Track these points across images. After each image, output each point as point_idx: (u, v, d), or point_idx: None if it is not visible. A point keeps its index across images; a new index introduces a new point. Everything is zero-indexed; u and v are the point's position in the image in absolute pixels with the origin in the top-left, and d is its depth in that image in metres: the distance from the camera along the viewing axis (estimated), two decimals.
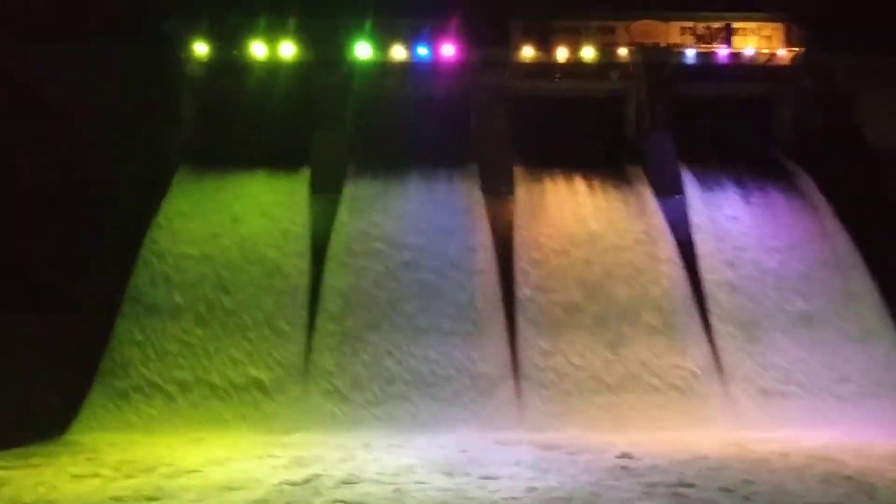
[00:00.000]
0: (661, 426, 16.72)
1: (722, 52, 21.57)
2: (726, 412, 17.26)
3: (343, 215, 19.43)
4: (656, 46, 21.44)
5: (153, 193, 19.32)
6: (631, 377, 17.78)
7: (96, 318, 17.59)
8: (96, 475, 12.38)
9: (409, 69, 21.17)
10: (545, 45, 21.39)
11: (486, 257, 19.03)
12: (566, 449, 14.52)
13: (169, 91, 20.53)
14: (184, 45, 20.57)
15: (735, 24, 21.69)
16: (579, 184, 20.70)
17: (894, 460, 13.42)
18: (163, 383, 17.13)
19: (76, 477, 12.22)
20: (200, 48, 20.61)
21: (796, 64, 21.74)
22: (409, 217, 19.62)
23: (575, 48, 21.35)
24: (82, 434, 16.03)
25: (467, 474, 12.50)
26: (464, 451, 14.25)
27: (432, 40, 21.08)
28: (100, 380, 17.12)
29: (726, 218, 20.08)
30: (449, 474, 12.48)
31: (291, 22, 20.58)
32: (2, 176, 18.37)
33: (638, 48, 21.40)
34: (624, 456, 13.74)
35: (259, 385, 17.16)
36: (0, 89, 19.43)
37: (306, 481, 11.99)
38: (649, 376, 17.80)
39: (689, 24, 21.68)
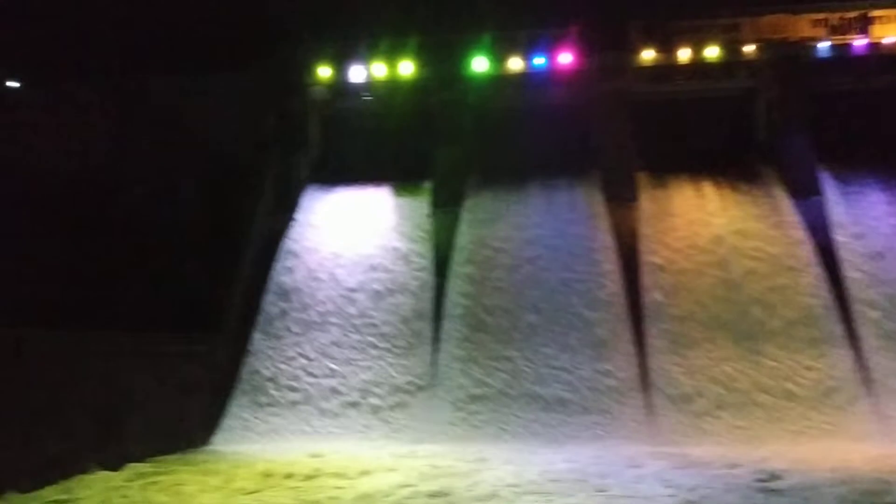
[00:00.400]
0: (802, 441, 15.83)
1: (859, 43, 20.25)
2: (873, 426, 16.13)
3: (464, 228, 19.59)
4: (786, 41, 20.39)
5: (283, 214, 20.20)
6: (768, 388, 16.95)
7: (234, 334, 18.53)
8: (240, 484, 12.97)
9: (526, 80, 21.12)
10: (666, 46, 20.81)
11: (610, 267, 18.66)
12: (705, 465, 13.91)
13: (297, 115, 21.40)
14: (309, 69, 21.38)
15: (873, 13, 20.31)
16: (707, 188, 19.97)
17: None
18: (296, 396, 17.80)
19: (219, 487, 12.84)
20: (324, 72, 21.36)
21: None
22: (531, 227, 19.55)
23: (698, 48, 20.64)
24: (224, 444, 16.87)
25: (602, 491, 12.26)
26: (595, 465, 13.98)
27: (549, 49, 20.94)
28: (238, 393, 18.00)
29: (870, 220, 18.81)
30: (585, 491, 12.25)
31: (410, 41, 20.97)
32: (157, 203, 19.86)
33: (767, 44, 20.43)
34: (771, 477, 12.89)
35: (386, 397, 17.52)
36: (145, 118, 20.99)
37: (442, 493, 12.11)
38: (789, 387, 16.90)
39: (822, 15, 20.47)
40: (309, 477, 13.36)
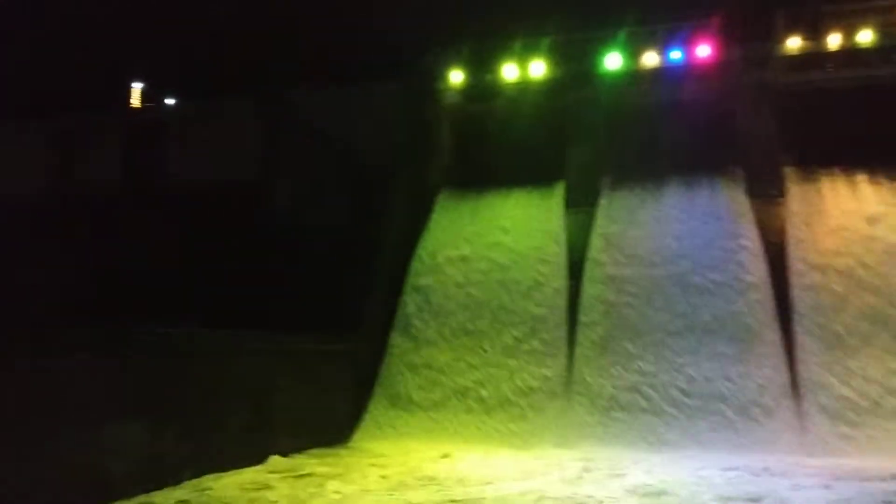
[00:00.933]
0: None
1: None
2: None
3: (599, 229, 19.23)
4: None
5: (418, 220, 20.61)
6: None
7: (374, 335, 19.10)
8: (385, 482, 13.35)
9: (662, 75, 20.46)
10: (815, 33, 19.60)
11: (755, 267, 17.79)
12: (864, 478, 13.06)
13: (429, 121, 21.78)
14: (441, 75, 21.69)
15: None
16: (863, 183, 18.63)
17: None
18: (431, 397, 18.16)
19: (366, 489, 13.10)
20: (456, 77, 21.61)
21: None
22: (669, 227, 18.92)
23: (850, 33, 19.31)
24: (365, 441, 17.39)
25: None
26: (756, 476, 13.51)
27: (686, 43, 20.22)
28: (378, 392, 18.52)
29: None
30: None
31: (543, 41, 20.84)
32: (301, 211, 20.84)
33: None
34: None
35: (521, 401, 17.52)
36: (291, 129, 22.05)
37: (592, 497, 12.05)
38: None
39: None
40: (445, 479, 13.53)
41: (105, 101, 24.96)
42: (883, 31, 19.15)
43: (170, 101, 26.68)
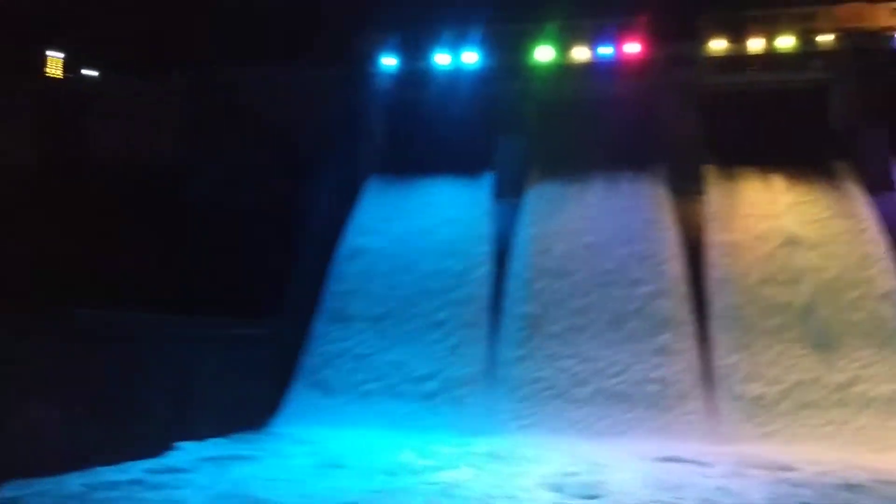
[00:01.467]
0: (872, 444, 15.32)
1: None
2: None
3: (526, 219, 19.47)
4: (865, 31, 19.60)
5: (346, 205, 20.47)
6: (838, 388, 16.44)
7: (298, 320, 18.91)
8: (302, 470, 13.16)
9: (592, 70, 20.85)
10: (738, 36, 20.26)
11: (674, 261, 18.30)
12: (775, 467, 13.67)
13: (361, 105, 21.64)
14: (374, 60, 21.56)
15: None
16: (777, 182, 19.40)
17: None
18: (356, 381, 18.05)
19: (283, 476, 12.86)
20: (389, 62, 21.51)
21: None
22: (593, 220, 19.29)
23: (771, 38, 20.05)
24: (286, 426, 17.20)
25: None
26: (671, 462, 13.98)
27: (616, 39, 20.61)
28: (300, 377, 18.35)
29: None
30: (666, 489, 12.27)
31: (475, 30, 20.93)
32: (224, 191, 20.39)
33: (844, 34, 19.68)
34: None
35: (440, 388, 17.57)
36: (214, 108, 21.56)
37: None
38: (863, 389, 16.33)
39: None
40: (364, 466, 13.51)
41: (17, 68, 23.63)
42: (802, 37, 19.91)
43: (92, 74, 25.69)
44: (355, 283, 19.42)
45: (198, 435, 15.06)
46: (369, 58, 21.54)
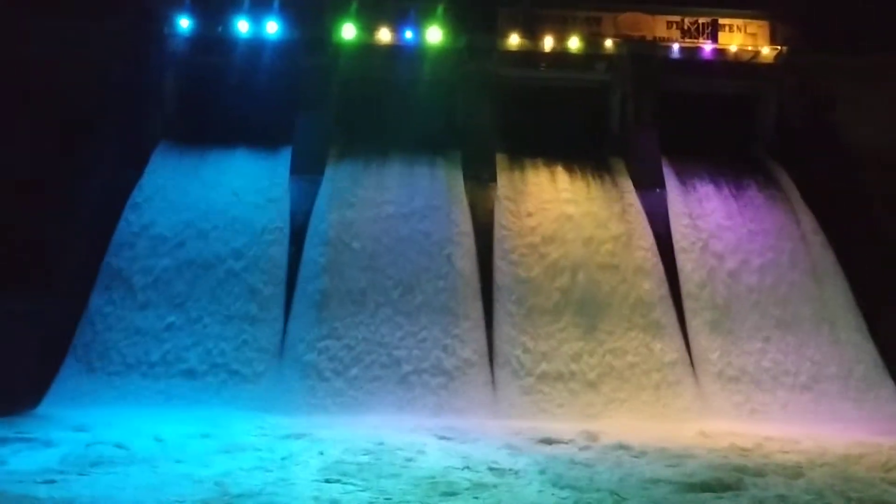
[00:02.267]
0: (633, 415, 16.95)
1: (707, 47, 21.65)
2: (696, 403, 17.52)
3: (324, 197, 19.33)
4: (643, 39, 21.48)
5: (131, 170, 19.16)
6: (605, 367, 17.95)
7: (71, 294, 17.46)
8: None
9: (396, 52, 21.05)
10: (532, 33, 21.35)
11: (465, 244, 19.02)
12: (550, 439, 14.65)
13: (151, 66, 20.29)
14: (167, 19, 20.30)
15: (721, 21, 21.74)
16: (561, 174, 20.73)
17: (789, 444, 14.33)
18: (133, 360, 17.06)
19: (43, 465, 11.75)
20: (183, 23, 20.36)
21: (780, 62, 21.85)
22: (390, 202, 19.54)
23: (561, 37, 21.33)
24: (55, 408, 15.86)
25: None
26: (444, 438, 14.45)
27: (419, 24, 20.94)
28: (72, 355, 17.01)
29: (705, 213, 20.21)
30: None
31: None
32: None
33: (624, 40, 21.42)
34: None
35: (230, 368, 17.09)
36: None
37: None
38: (623, 366, 17.96)
39: (676, 18, 21.73)
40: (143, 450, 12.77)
41: None
42: (588, 39, 21.39)
43: None
44: (138, 257, 18.27)
45: None
46: (162, 17, 20.22)
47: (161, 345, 17.31)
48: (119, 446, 12.57)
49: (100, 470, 11.37)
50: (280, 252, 18.59)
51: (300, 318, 17.76)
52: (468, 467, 12.17)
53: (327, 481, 11.02)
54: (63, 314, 17.24)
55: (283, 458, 12.35)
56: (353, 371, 17.28)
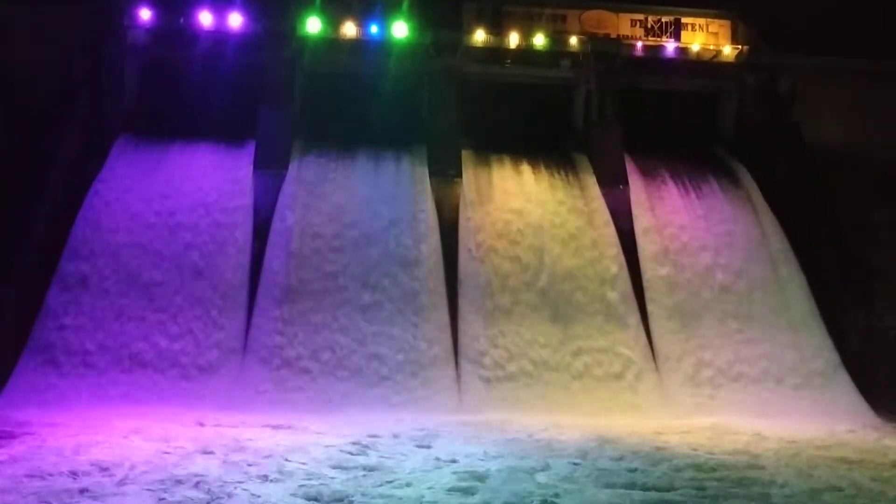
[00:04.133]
0: (595, 410, 17.06)
1: (670, 46, 21.87)
2: (658, 398, 17.72)
3: (289, 192, 19.17)
4: (607, 37, 21.63)
5: (90, 163, 18.82)
6: (569, 363, 18.06)
7: (30, 287, 17.12)
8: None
9: (361, 47, 20.93)
10: (497, 29, 21.38)
11: (431, 240, 18.98)
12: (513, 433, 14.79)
13: (110, 58, 19.94)
14: (127, 10, 19.97)
15: (684, 20, 21.98)
16: (526, 170, 20.79)
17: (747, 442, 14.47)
18: (91, 359, 16.75)
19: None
20: (144, 14, 20.05)
21: (741, 61, 22.16)
22: (355, 197, 19.44)
23: (526, 34, 21.39)
24: (8, 408, 15.50)
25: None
26: (422, 430, 14.57)
27: (385, 19, 20.85)
28: (28, 352, 16.67)
29: (667, 210, 20.41)
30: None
31: None
32: None
33: (588, 38, 21.55)
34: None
35: (193, 364, 16.90)
36: None
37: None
38: (587, 362, 18.10)
39: (640, 16, 21.92)
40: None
41: None
42: (553, 37, 21.48)
43: None
44: (97, 253, 17.94)
45: None
46: (122, 8, 19.87)
47: (120, 339, 17.03)
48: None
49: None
50: (243, 247, 18.39)
51: (264, 314, 17.61)
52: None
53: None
54: (19, 309, 16.88)
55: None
56: (316, 367, 17.18)
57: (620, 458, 12.73)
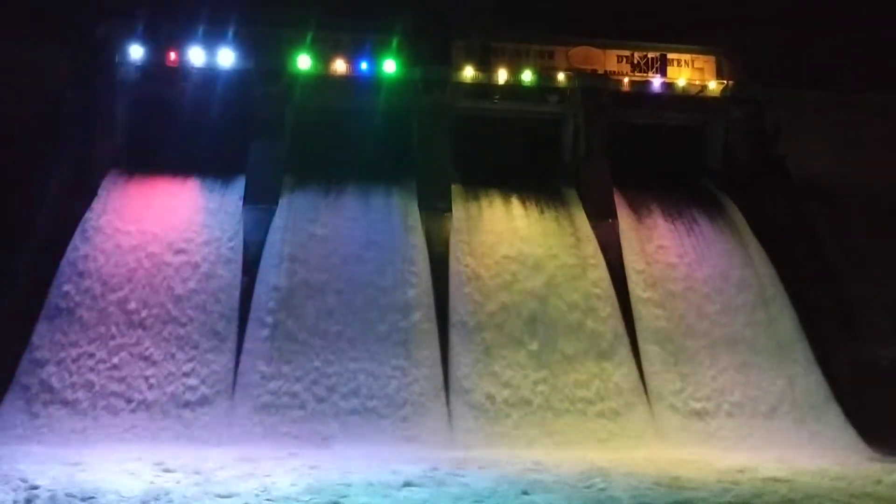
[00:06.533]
0: (587, 443, 16.99)
1: (656, 81, 22.17)
2: (649, 431, 17.65)
3: (279, 227, 19.15)
4: (594, 73, 21.92)
5: (80, 199, 18.79)
6: (557, 396, 17.96)
7: (15, 324, 16.97)
8: None
9: (351, 83, 21.14)
10: (486, 66, 21.65)
11: (421, 274, 18.95)
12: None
13: (101, 95, 20.02)
14: (118, 48, 20.13)
15: (670, 56, 22.34)
16: (515, 204, 20.90)
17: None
18: (79, 395, 16.57)
19: None
20: (135, 52, 20.21)
21: (726, 96, 22.47)
22: (345, 232, 19.45)
23: (515, 70, 21.67)
24: None
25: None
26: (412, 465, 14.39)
27: (374, 56, 21.09)
28: (14, 389, 16.47)
29: (656, 243, 20.53)
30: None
31: (231, 29, 20.33)
32: None
33: (576, 73, 21.84)
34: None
35: (181, 401, 16.73)
36: None
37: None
38: (575, 395, 18.02)
39: (626, 52, 22.27)
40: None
41: None
42: (541, 72, 21.76)
43: None
44: (85, 289, 17.83)
45: None
46: (114, 46, 20.02)
47: (103, 378, 16.83)
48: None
49: None
50: (232, 283, 18.31)
51: (252, 351, 17.47)
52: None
53: None
54: (7, 345, 16.72)
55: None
56: (307, 402, 17.05)
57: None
